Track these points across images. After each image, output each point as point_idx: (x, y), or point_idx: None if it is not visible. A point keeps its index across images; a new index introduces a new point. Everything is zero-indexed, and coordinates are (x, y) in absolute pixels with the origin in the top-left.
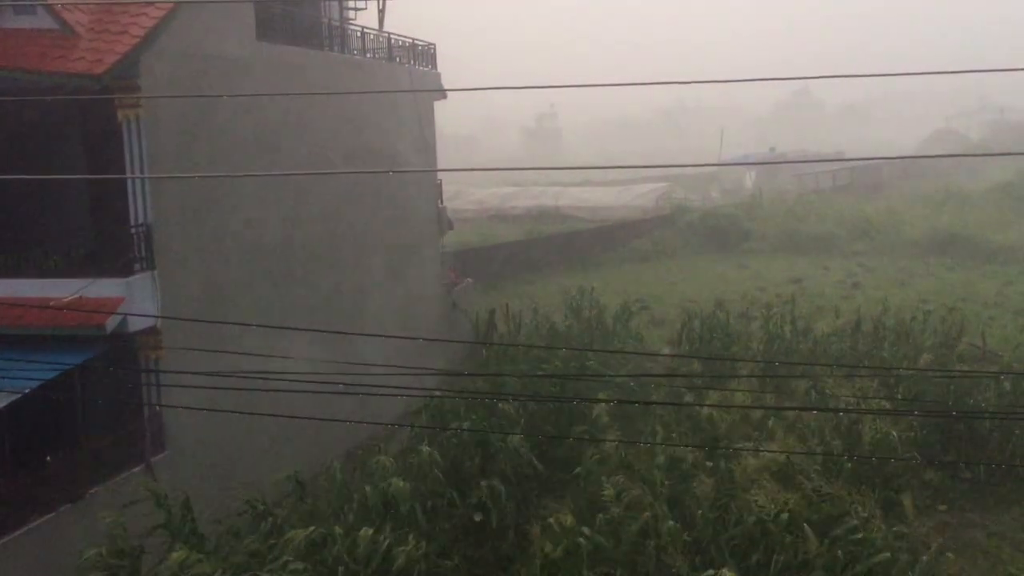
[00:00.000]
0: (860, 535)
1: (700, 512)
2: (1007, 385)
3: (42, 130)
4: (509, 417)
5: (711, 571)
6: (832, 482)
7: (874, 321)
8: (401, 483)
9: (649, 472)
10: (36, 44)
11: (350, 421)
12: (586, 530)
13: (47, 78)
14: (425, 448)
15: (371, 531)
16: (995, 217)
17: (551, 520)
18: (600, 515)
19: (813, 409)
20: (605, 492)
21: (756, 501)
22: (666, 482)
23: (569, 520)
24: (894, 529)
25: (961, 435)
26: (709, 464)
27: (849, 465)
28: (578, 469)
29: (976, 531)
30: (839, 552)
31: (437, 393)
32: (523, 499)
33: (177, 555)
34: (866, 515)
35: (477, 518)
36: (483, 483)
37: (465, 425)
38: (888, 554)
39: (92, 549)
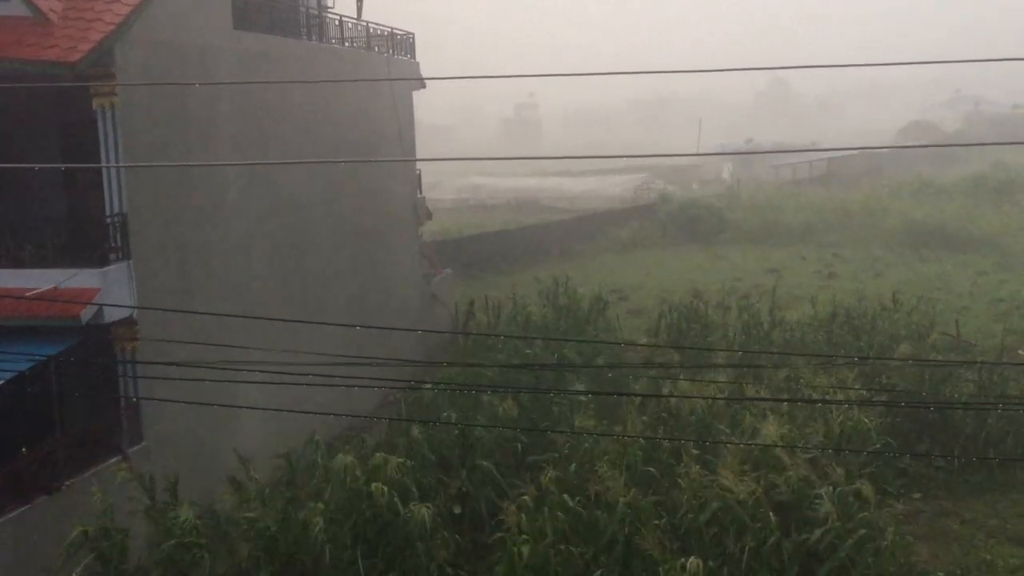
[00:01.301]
0: (830, 522)
1: (681, 497)
2: (981, 374)
3: (16, 119)
4: (491, 408)
5: (682, 559)
6: (806, 469)
7: (849, 311)
8: (391, 459)
9: (623, 458)
10: (9, 32)
11: (329, 413)
12: (567, 498)
13: (20, 66)
14: (415, 431)
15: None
16: (969, 208)
17: (512, 507)
18: (576, 497)
19: (789, 400)
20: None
21: (722, 486)
22: (645, 468)
23: (548, 480)
24: (862, 516)
25: (935, 423)
26: (696, 452)
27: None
28: (556, 453)
29: (950, 518)
30: (805, 539)
31: (426, 386)
32: (502, 489)
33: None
34: (837, 501)
35: (456, 510)
36: (463, 473)
37: (444, 415)
38: (851, 541)
39: (78, 528)
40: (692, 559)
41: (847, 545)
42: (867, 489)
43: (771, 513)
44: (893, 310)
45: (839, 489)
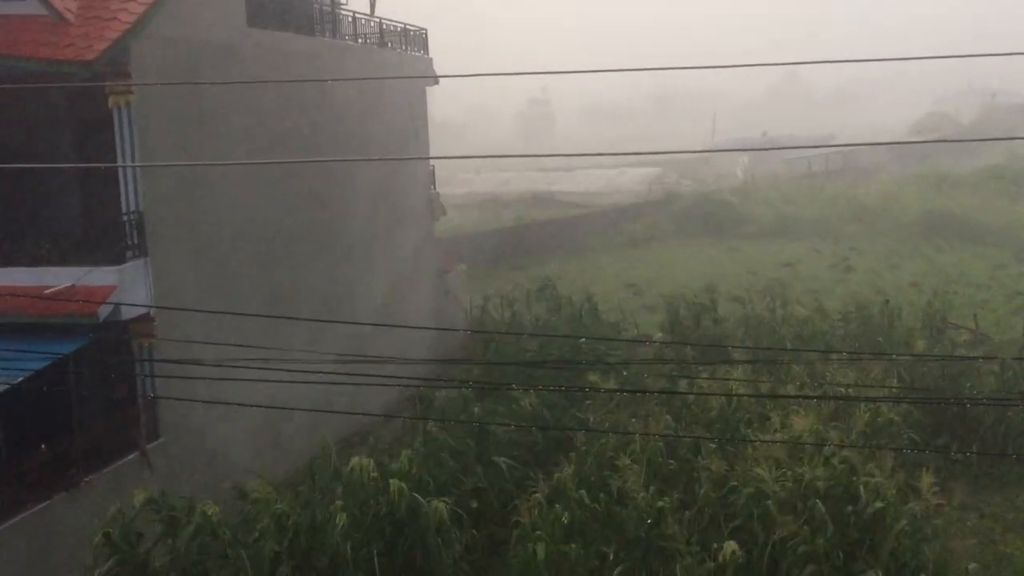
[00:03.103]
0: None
1: (702, 491)
2: (998, 368)
3: (33, 118)
4: (508, 404)
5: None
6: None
7: (867, 304)
8: (410, 453)
9: (644, 453)
10: (25, 31)
11: (345, 412)
12: (584, 494)
13: (37, 65)
14: (431, 427)
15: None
16: (986, 200)
17: (528, 504)
18: (599, 493)
19: (809, 397)
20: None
21: (756, 476)
22: (670, 464)
23: (568, 480)
24: (907, 506)
25: (954, 417)
26: (712, 446)
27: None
28: (581, 448)
29: (969, 512)
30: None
31: (441, 383)
32: (520, 484)
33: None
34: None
35: (474, 504)
36: (479, 468)
37: (461, 412)
38: (904, 521)
39: (99, 531)
40: (728, 543)
41: (896, 531)
42: (927, 479)
43: (819, 501)
44: (912, 305)
45: (876, 480)
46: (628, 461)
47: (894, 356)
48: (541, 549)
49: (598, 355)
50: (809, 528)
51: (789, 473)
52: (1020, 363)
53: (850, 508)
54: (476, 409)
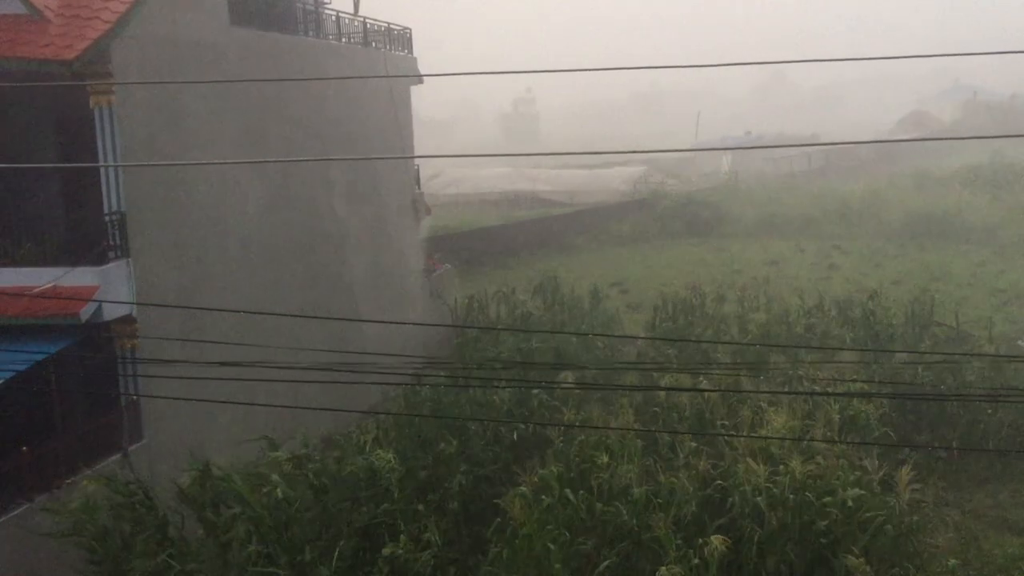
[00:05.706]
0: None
1: (691, 488)
2: (978, 364)
3: (12, 117)
4: (489, 404)
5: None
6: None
7: (848, 302)
8: (388, 455)
9: (623, 451)
10: (5, 30)
11: (327, 409)
12: (568, 492)
13: (16, 64)
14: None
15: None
16: (967, 199)
17: (513, 497)
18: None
19: (788, 393)
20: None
21: (748, 469)
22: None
23: (552, 475)
24: (879, 498)
25: (934, 414)
26: (693, 445)
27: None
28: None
29: (951, 509)
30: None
31: (424, 382)
32: (499, 481)
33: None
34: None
35: (453, 505)
36: (462, 465)
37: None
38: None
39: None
40: (714, 537)
41: (872, 527)
42: (903, 474)
43: (809, 494)
44: (899, 304)
45: (856, 476)
46: (607, 458)
47: (861, 350)
48: (529, 542)
49: (584, 352)
50: (796, 522)
51: (780, 468)
52: (996, 360)
53: (828, 499)
54: (464, 402)
